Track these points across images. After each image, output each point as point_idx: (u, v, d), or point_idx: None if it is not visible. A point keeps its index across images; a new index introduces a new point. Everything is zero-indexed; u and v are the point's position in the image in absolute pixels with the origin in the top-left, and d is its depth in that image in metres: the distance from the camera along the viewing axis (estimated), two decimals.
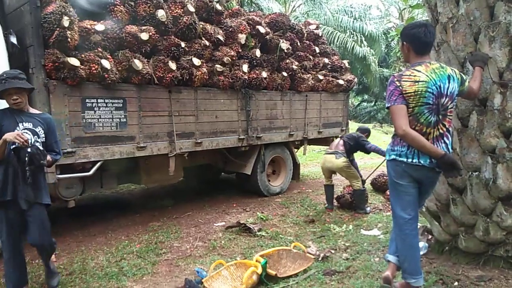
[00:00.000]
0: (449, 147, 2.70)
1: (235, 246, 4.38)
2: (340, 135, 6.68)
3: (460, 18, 3.14)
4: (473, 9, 3.08)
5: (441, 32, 3.32)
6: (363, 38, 18.84)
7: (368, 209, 5.66)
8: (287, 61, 6.56)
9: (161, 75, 4.84)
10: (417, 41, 2.65)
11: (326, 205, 5.88)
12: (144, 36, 4.61)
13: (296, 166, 7.26)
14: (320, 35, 7.74)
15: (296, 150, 7.49)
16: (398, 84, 2.60)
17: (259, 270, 3.22)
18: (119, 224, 5.23)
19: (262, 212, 5.70)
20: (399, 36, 3.02)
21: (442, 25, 3.31)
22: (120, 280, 3.54)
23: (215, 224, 5.20)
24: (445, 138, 2.67)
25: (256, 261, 3.35)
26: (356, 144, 5.76)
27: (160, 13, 4.78)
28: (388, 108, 2.67)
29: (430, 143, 2.60)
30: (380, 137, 17.51)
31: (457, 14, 3.18)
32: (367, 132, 6.13)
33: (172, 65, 4.87)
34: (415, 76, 2.58)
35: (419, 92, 2.55)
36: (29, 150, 2.81)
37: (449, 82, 2.62)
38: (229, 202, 6.35)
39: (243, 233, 4.75)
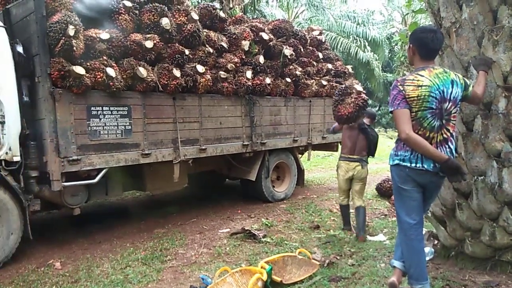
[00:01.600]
0: (453, 151, 2.69)
1: (240, 252, 4.37)
2: (352, 128, 4.79)
3: (463, 23, 3.15)
4: (476, 13, 3.09)
5: (445, 36, 3.32)
6: (367, 43, 18.84)
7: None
8: (291, 67, 6.58)
9: (166, 82, 4.87)
10: (424, 46, 2.66)
11: (343, 227, 5.03)
12: (149, 44, 4.65)
13: (300, 171, 7.24)
14: (323, 40, 7.77)
15: (300, 155, 7.48)
16: (402, 89, 2.60)
17: (264, 277, 3.20)
18: (124, 231, 5.24)
19: (267, 218, 5.69)
20: (402, 41, 3.04)
21: (445, 29, 3.31)
22: (125, 287, 3.54)
23: (220, 231, 5.19)
24: (449, 143, 2.66)
25: (261, 267, 3.33)
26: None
27: (164, 21, 4.82)
28: (391, 112, 2.68)
29: (433, 147, 2.59)
30: (385, 142, 17.44)
31: (460, 18, 3.18)
32: (375, 119, 5.14)
33: (177, 73, 4.90)
34: (418, 80, 2.59)
35: (422, 97, 2.56)
36: None
37: (452, 87, 2.62)
38: (234, 209, 6.34)
39: (248, 239, 4.74)
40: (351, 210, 5.03)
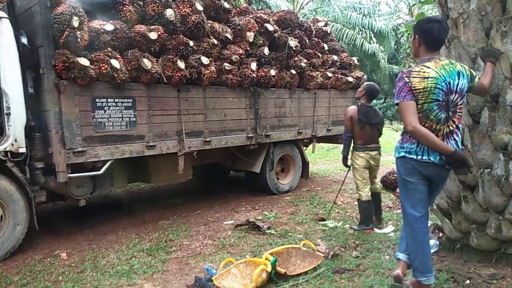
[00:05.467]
0: (459, 144, 2.68)
1: (244, 244, 4.38)
2: (370, 120, 4.64)
3: (471, 13, 3.10)
4: (484, 3, 3.04)
5: (452, 27, 3.28)
6: (372, 35, 18.67)
7: (371, 225, 4.70)
8: (296, 58, 6.53)
9: (170, 74, 4.86)
10: (430, 36, 2.63)
11: (367, 226, 4.61)
12: (153, 35, 4.63)
13: (305, 164, 7.23)
14: (328, 32, 7.70)
15: (305, 148, 7.47)
16: (408, 80, 2.58)
17: (269, 268, 3.22)
18: (129, 223, 5.27)
19: (271, 210, 5.70)
20: (409, 32, 2.99)
21: (453, 20, 3.27)
22: (131, 278, 3.57)
23: (225, 222, 5.21)
24: (454, 135, 2.64)
25: (266, 259, 3.35)
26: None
27: (169, 12, 4.79)
28: (397, 104, 2.65)
29: (439, 140, 2.57)
30: (390, 134, 17.37)
31: (468, 9, 3.13)
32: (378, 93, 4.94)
33: (181, 64, 4.89)
34: (424, 72, 2.56)
35: (428, 89, 2.53)
36: None
37: (458, 79, 2.59)
38: (238, 200, 6.36)
39: (253, 231, 4.75)
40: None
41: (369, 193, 4.68)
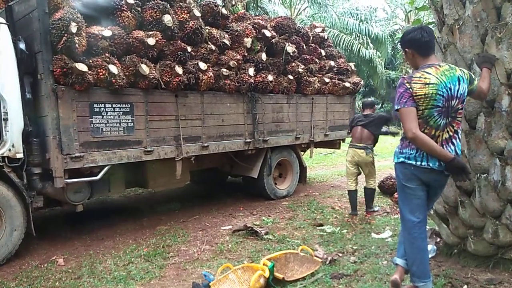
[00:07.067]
0: (457, 149, 2.68)
1: (242, 249, 4.37)
2: (358, 122, 5.57)
3: (467, 20, 3.13)
4: (479, 10, 3.07)
5: (448, 34, 3.31)
6: (369, 41, 18.76)
7: (376, 208, 5.78)
8: (293, 64, 6.57)
9: (168, 79, 4.87)
10: (417, 43, 2.65)
11: (350, 211, 5.62)
12: (151, 41, 4.65)
13: (302, 169, 7.24)
14: (325, 38, 7.74)
15: (302, 153, 7.48)
16: (408, 86, 2.58)
17: (266, 274, 3.21)
18: (127, 228, 5.25)
19: (269, 216, 5.69)
20: None
21: (449, 26, 3.30)
22: (128, 284, 3.56)
23: (222, 228, 5.20)
24: (454, 140, 2.65)
25: (263, 264, 3.34)
26: (379, 130, 5.52)
27: (167, 18, 4.81)
28: (397, 110, 2.65)
29: (439, 146, 2.58)
30: (387, 139, 17.42)
31: (464, 15, 3.17)
32: (374, 106, 5.85)
33: (179, 70, 4.90)
34: (425, 78, 2.57)
35: (429, 95, 2.54)
36: None
37: (459, 84, 2.60)
38: (236, 206, 6.35)
39: (250, 236, 4.75)
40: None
41: (353, 185, 5.53)
